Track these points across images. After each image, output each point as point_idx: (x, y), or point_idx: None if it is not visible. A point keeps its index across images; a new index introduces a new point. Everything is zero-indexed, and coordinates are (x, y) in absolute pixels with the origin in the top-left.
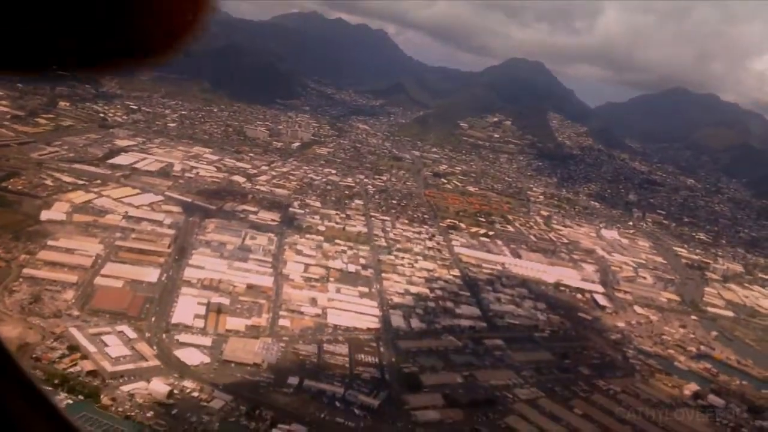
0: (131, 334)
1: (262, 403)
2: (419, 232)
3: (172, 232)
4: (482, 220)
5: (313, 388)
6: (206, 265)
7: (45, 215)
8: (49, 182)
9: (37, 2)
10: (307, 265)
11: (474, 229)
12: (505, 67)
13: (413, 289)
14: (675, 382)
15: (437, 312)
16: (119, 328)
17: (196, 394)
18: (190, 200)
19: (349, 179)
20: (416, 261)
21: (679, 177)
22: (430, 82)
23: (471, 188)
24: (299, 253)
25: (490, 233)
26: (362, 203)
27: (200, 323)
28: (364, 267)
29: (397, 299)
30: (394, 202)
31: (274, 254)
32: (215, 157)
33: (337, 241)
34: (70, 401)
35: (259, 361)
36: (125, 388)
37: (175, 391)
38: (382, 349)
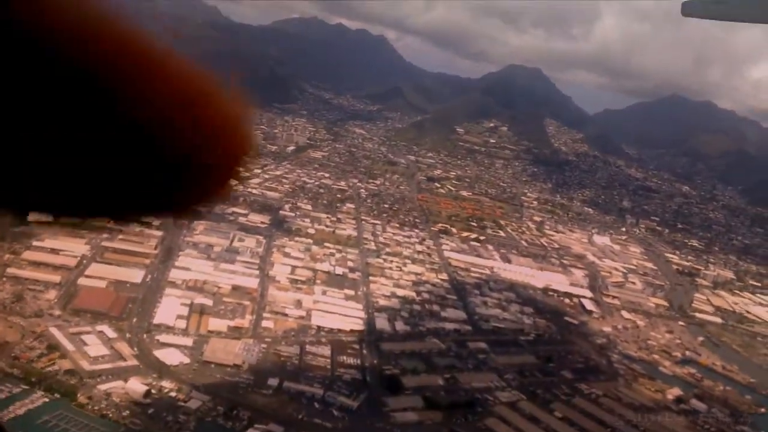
0: (111, 333)
1: (240, 403)
2: (409, 236)
3: (159, 233)
4: (474, 225)
5: (293, 389)
6: (192, 266)
7: (32, 216)
8: None
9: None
10: (294, 268)
11: (465, 234)
12: (504, 74)
13: (400, 293)
14: (658, 386)
15: (422, 315)
16: (99, 327)
17: (173, 394)
18: None
19: (342, 183)
20: (405, 264)
21: (674, 184)
22: (428, 88)
23: (464, 193)
24: (287, 255)
25: (481, 238)
26: (354, 207)
27: (182, 324)
28: (352, 270)
29: (383, 302)
30: (386, 206)
31: (262, 256)
32: None
33: (326, 244)
34: (47, 399)
35: (239, 362)
36: (102, 387)
37: (153, 391)
38: (364, 351)
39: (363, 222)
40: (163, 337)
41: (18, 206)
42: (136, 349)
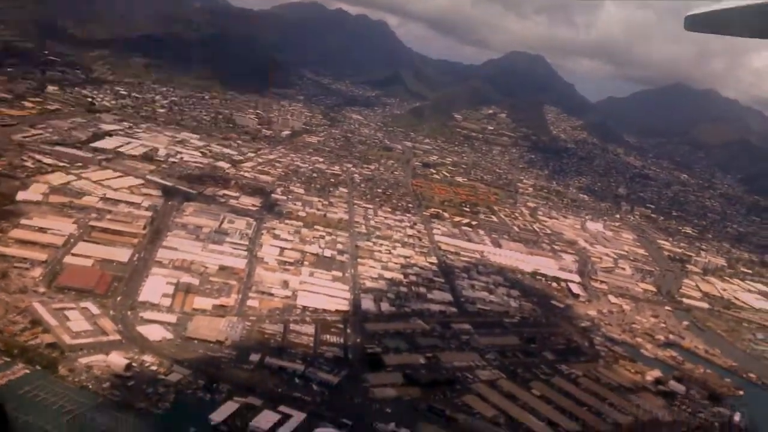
0: (95, 310)
1: (220, 377)
2: (401, 220)
3: (149, 214)
4: (467, 210)
5: (274, 364)
6: (180, 246)
7: (21, 195)
8: (29, 164)
9: None
10: (282, 249)
11: (457, 219)
12: (506, 60)
13: (387, 275)
14: (638, 368)
15: (409, 297)
16: (83, 304)
17: (154, 368)
18: (171, 184)
19: (336, 168)
20: (394, 248)
21: (672, 172)
22: (429, 74)
23: (459, 179)
24: (276, 237)
25: (473, 223)
26: (347, 191)
27: (167, 302)
28: (341, 252)
29: (370, 284)
30: (380, 190)
31: (251, 238)
32: (201, 143)
33: (317, 226)
34: (28, 371)
35: (222, 338)
36: (83, 360)
37: (134, 365)
38: (348, 330)
39: (355, 206)
40: (147, 314)
41: None
42: (119, 325)
